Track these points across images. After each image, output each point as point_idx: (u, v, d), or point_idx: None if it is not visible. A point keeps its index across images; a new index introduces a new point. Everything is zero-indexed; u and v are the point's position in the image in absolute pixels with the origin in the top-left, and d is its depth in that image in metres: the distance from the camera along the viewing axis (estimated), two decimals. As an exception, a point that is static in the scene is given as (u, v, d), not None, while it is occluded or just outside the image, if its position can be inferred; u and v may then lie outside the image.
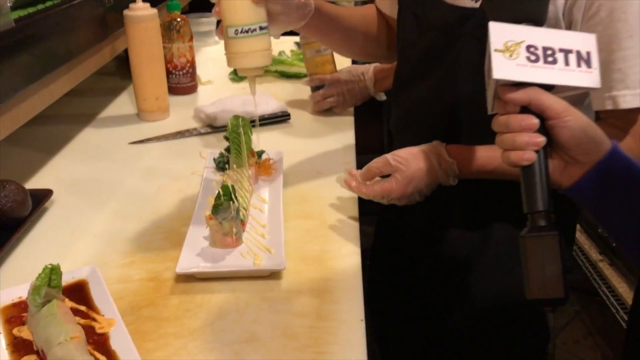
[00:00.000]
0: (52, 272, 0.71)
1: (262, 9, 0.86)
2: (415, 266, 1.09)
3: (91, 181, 1.15)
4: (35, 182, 1.14)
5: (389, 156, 0.93)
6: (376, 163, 0.94)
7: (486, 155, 0.90)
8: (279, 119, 1.39)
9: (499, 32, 0.61)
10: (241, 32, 0.84)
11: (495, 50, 0.61)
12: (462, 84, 0.92)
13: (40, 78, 1.09)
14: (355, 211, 1.03)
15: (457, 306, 1.03)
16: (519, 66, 0.61)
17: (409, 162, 0.91)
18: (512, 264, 0.97)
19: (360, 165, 1.22)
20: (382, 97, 1.46)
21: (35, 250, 0.94)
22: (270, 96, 1.45)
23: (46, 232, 0.99)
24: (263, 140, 1.28)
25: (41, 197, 1.02)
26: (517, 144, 0.62)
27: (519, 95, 0.61)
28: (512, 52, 0.61)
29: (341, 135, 1.34)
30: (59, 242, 0.95)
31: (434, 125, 0.99)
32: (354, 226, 0.99)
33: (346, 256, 0.91)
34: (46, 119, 1.37)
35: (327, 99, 1.42)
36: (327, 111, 1.45)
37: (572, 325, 2.16)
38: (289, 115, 1.40)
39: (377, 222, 1.25)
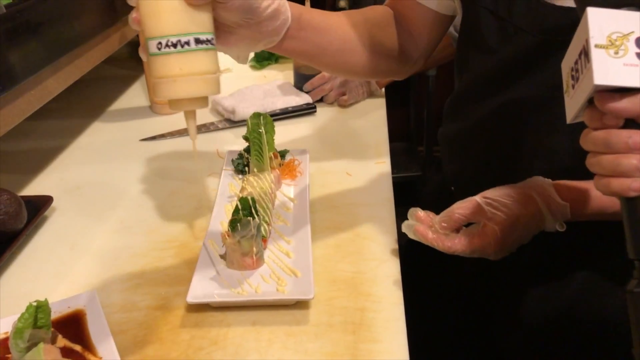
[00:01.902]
0: (39, 310, 0.60)
1: (202, 14, 0.58)
2: (465, 272, 0.94)
3: (97, 184, 1.04)
4: (35, 186, 1.03)
5: (479, 199, 0.72)
6: (462, 209, 0.73)
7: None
8: (303, 112, 1.26)
9: (601, 21, 0.47)
10: (166, 45, 0.56)
11: (597, 45, 0.47)
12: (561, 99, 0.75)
13: (39, 71, 0.97)
14: (392, 220, 0.90)
15: (512, 326, 0.89)
16: (627, 67, 0.46)
17: (510, 207, 0.71)
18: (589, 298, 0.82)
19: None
20: (381, 94, 1.37)
21: (30, 269, 0.83)
22: (293, 87, 1.33)
23: (44, 246, 0.88)
24: (286, 136, 1.16)
25: (39, 206, 0.91)
26: (622, 169, 0.48)
27: (626, 105, 0.47)
28: (618, 48, 0.46)
29: (372, 129, 1.21)
30: (58, 259, 0.84)
31: (510, 147, 0.81)
32: (392, 239, 0.86)
33: (384, 279, 0.78)
34: (49, 113, 1.27)
35: (331, 92, 1.31)
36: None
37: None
38: (314, 107, 1.27)
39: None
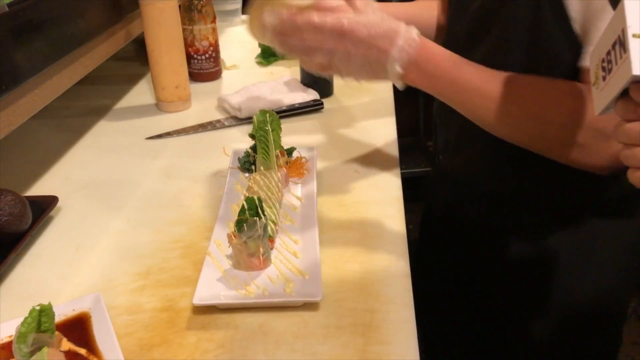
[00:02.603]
0: (42, 314, 0.59)
1: None
2: (473, 266, 0.93)
3: (103, 184, 1.03)
4: (40, 186, 1.02)
5: None
6: None
7: (479, 71, 0.70)
8: (310, 108, 1.25)
9: (639, 11, 0.45)
10: None
11: (634, 35, 0.45)
12: (511, 58, 0.73)
13: (43, 69, 0.96)
14: (401, 219, 0.88)
15: (531, 314, 0.87)
16: None
17: (372, 15, 0.70)
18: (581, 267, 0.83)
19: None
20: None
21: (35, 271, 0.82)
22: (300, 83, 1.31)
23: (50, 247, 0.87)
24: (293, 133, 1.14)
25: (44, 206, 0.90)
26: None
27: None
28: None
29: (381, 126, 1.19)
30: (63, 261, 0.83)
31: None
32: (402, 238, 0.84)
33: (394, 279, 0.76)
34: (53, 112, 1.26)
35: None
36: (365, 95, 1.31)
37: (629, 324, 1.99)
38: (321, 103, 1.26)
39: (421, 222, 1.11)
